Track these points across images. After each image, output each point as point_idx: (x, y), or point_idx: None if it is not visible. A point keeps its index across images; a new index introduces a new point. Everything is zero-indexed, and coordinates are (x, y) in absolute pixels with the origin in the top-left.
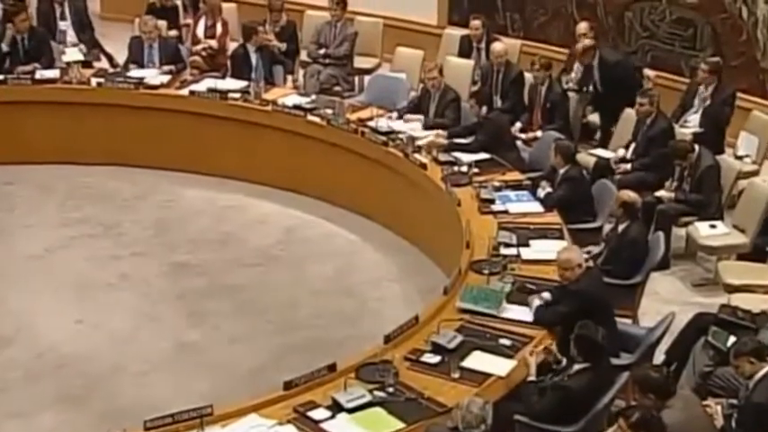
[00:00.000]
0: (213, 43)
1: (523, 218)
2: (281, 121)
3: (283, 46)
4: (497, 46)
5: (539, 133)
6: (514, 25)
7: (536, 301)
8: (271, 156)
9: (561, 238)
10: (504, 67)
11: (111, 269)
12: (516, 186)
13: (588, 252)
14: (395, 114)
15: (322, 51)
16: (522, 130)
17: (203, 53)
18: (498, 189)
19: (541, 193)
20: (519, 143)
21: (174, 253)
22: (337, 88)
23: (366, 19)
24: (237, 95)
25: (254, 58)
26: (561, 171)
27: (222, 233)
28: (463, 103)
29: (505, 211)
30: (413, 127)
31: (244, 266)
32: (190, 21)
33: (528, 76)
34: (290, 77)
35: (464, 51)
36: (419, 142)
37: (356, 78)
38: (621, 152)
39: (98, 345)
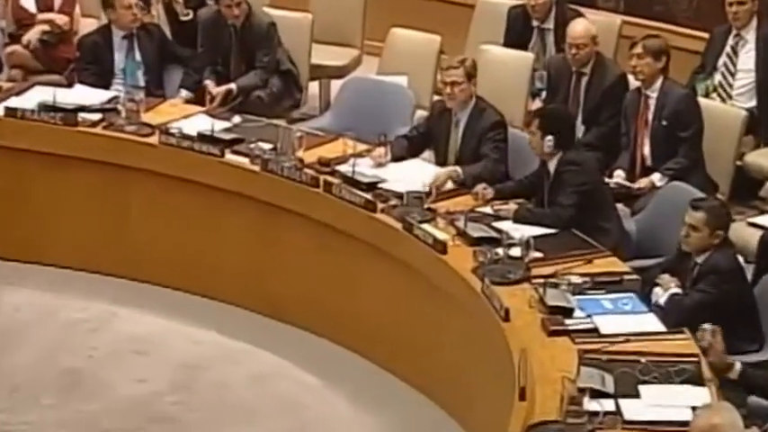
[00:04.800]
0: (56, 18)
1: (627, 343)
2: (175, 163)
3: (188, 14)
4: (577, 26)
5: (656, 178)
6: None
7: None
8: (157, 228)
9: (700, 383)
10: (592, 64)
11: None
12: (613, 285)
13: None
14: (386, 153)
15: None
16: (628, 181)
17: (35, 40)
18: (580, 290)
19: (662, 296)
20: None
21: None
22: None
23: None
24: (96, 117)
25: (121, 48)
26: (699, 258)
27: (66, 370)
28: (513, 130)
29: (594, 330)
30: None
31: None
32: None
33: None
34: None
35: (515, 36)
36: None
37: (315, 84)
38: None
39: None
